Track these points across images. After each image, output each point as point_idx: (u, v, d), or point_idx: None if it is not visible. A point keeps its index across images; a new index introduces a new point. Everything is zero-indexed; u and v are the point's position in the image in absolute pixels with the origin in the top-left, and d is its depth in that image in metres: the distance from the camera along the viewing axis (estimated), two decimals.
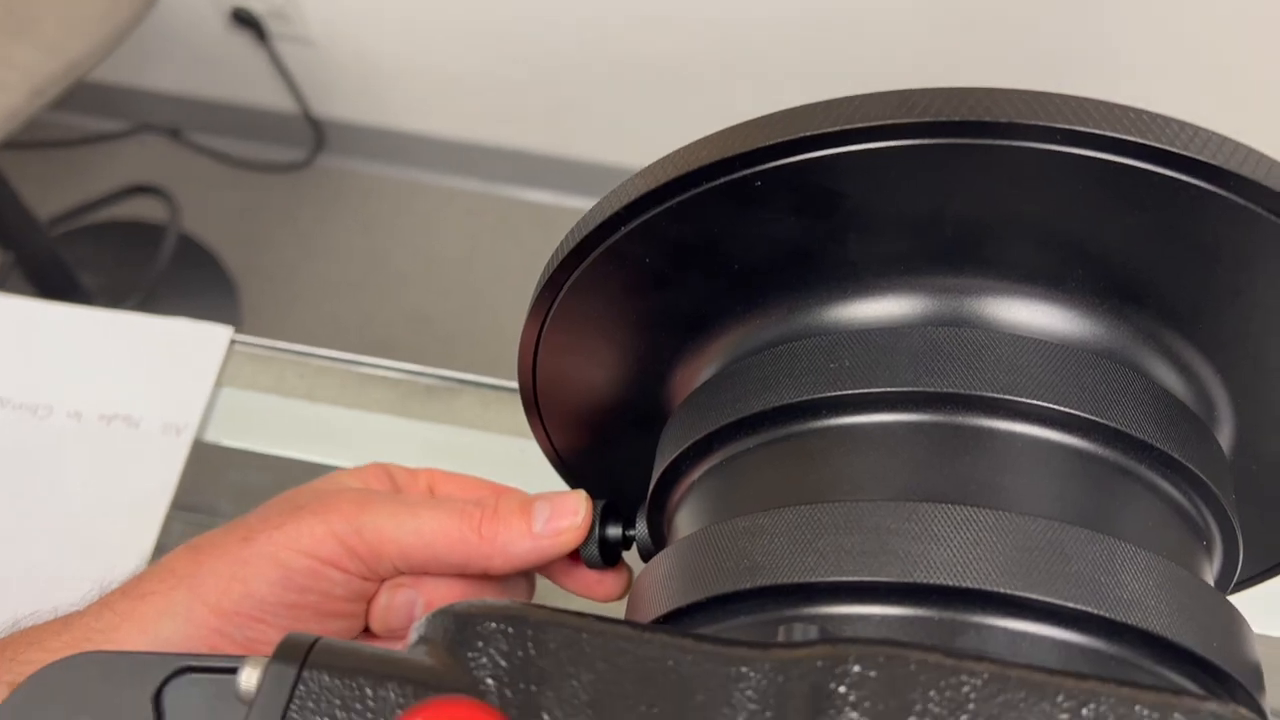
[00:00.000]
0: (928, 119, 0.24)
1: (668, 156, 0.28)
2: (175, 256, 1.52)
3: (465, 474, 0.38)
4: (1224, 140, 0.25)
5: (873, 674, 0.20)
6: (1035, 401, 0.26)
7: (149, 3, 1.17)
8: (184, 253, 1.55)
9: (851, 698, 0.19)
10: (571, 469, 0.39)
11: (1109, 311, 0.28)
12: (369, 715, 0.20)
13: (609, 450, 0.37)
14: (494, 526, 0.34)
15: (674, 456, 0.31)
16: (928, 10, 1.25)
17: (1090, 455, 0.26)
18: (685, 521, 0.30)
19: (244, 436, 0.49)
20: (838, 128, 0.25)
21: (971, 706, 0.19)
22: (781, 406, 0.28)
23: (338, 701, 0.20)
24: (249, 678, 0.21)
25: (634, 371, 0.33)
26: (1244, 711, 0.20)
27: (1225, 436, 0.31)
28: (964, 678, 0.20)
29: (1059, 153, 0.25)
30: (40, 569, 0.45)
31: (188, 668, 0.23)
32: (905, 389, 0.26)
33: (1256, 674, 0.26)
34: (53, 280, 1.38)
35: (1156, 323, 0.28)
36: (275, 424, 0.49)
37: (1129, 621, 0.23)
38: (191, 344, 0.50)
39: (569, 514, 0.35)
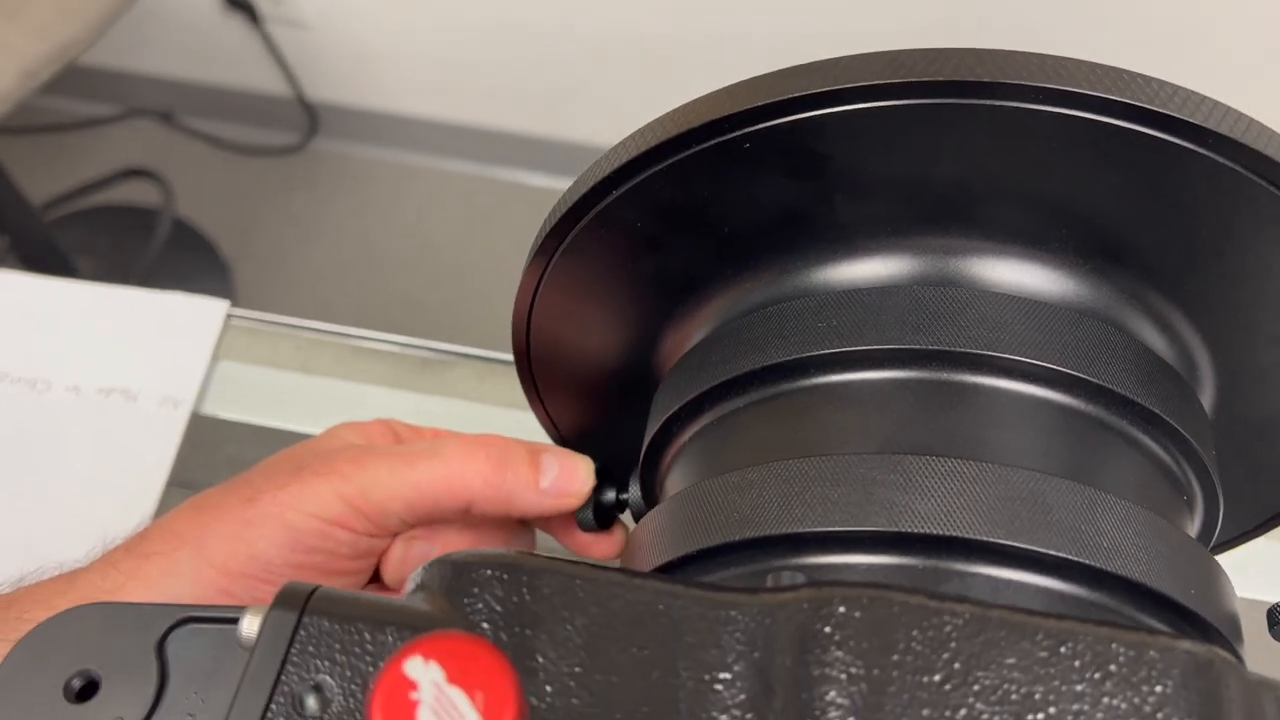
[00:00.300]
0: (913, 79, 0.25)
1: (658, 119, 0.28)
2: (169, 241, 1.52)
3: (471, 434, 0.38)
4: (1204, 99, 0.25)
5: (857, 615, 0.20)
6: (1018, 358, 0.27)
7: None
8: (178, 237, 1.55)
9: (836, 637, 0.20)
10: (566, 436, 0.39)
11: (1092, 271, 0.29)
12: (368, 659, 0.21)
13: (603, 416, 0.38)
14: (500, 475, 0.34)
15: (666, 418, 0.31)
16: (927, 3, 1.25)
17: (1072, 410, 0.27)
18: (677, 481, 0.31)
19: (241, 409, 0.49)
20: (825, 89, 0.25)
21: (953, 645, 0.20)
22: (770, 366, 0.28)
23: (337, 646, 0.21)
24: (250, 625, 0.22)
25: (627, 336, 0.34)
26: (1218, 650, 0.20)
27: (1208, 396, 0.31)
28: (946, 618, 0.20)
29: (1043, 112, 0.25)
30: (39, 541, 0.46)
31: (190, 618, 0.23)
32: (891, 346, 0.27)
33: (1234, 623, 0.26)
34: (47, 265, 1.38)
35: (1139, 283, 0.29)
36: (272, 397, 0.49)
37: (1108, 568, 0.24)
38: (188, 318, 0.50)
39: (577, 481, 0.35)
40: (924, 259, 0.28)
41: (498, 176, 1.64)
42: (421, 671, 0.17)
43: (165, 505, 0.48)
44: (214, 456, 0.50)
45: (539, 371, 0.36)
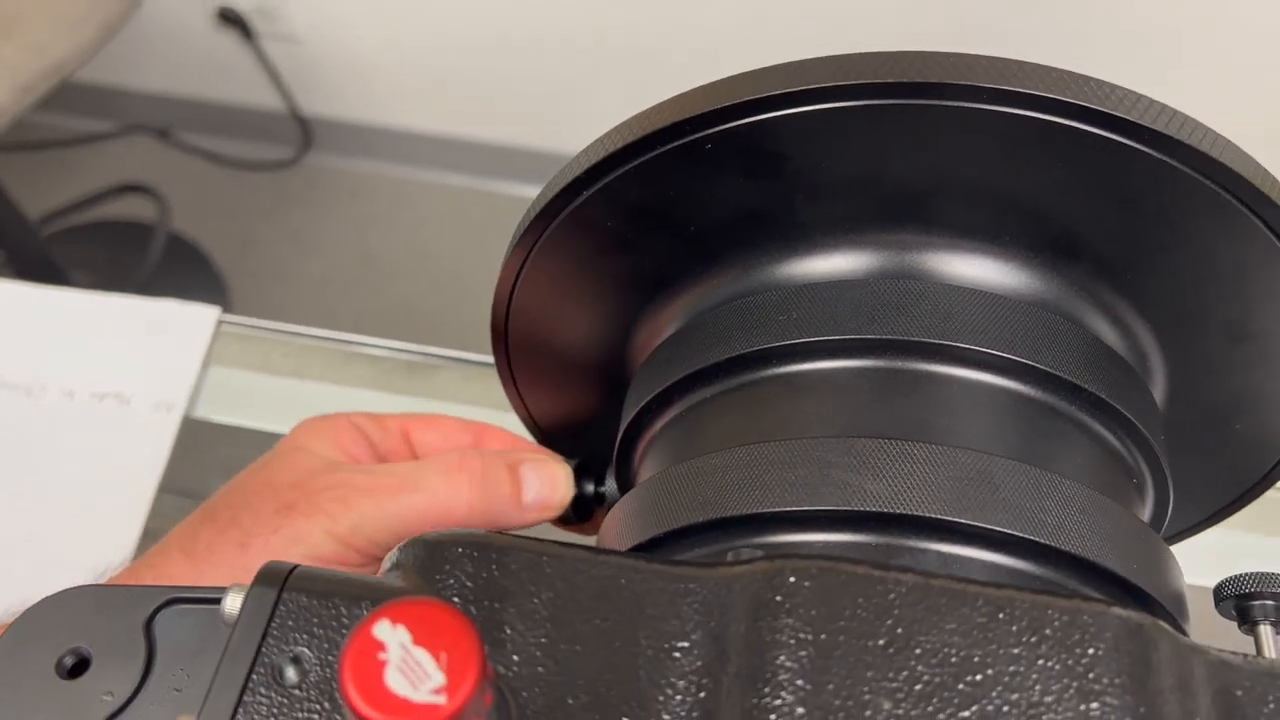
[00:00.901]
0: (861, 81, 0.26)
1: (624, 122, 0.29)
2: (165, 255, 1.54)
3: (439, 415, 0.38)
4: (1141, 98, 0.27)
5: (806, 584, 0.21)
6: (970, 346, 0.28)
7: (134, 2, 1.18)
8: (174, 251, 1.56)
9: (787, 605, 0.21)
10: (546, 433, 0.40)
11: (1043, 265, 0.30)
12: (344, 632, 0.22)
13: (581, 410, 0.39)
14: (485, 499, 0.34)
15: (637, 410, 0.32)
16: (916, 9, 1.27)
17: (1022, 396, 0.28)
18: (649, 471, 0.32)
19: (233, 413, 0.50)
20: (778, 91, 0.27)
21: (896, 612, 0.21)
22: (734, 357, 0.29)
23: (315, 620, 0.22)
24: (232, 603, 0.23)
25: (601, 332, 0.35)
26: (1150, 618, 0.22)
27: (1159, 387, 0.32)
28: (890, 586, 0.21)
29: (989, 112, 0.26)
30: (35, 542, 0.47)
31: (176, 599, 0.24)
32: (848, 337, 0.28)
33: (1178, 599, 0.28)
34: (44, 279, 1.39)
35: (1089, 276, 0.30)
36: (263, 400, 0.50)
37: (1051, 543, 0.25)
38: (180, 324, 0.51)
39: (558, 492, 0.36)
40: (881, 254, 0.30)
41: (492, 189, 1.66)
42: (389, 634, 0.18)
43: (158, 508, 0.49)
44: (207, 459, 0.51)
45: (517, 365, 0.38)
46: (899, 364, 0.28)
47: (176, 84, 1.64)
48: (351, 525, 0.33)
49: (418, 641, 0.18)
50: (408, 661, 0.18)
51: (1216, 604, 0.29)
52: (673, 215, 0.31)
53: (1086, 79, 0.26)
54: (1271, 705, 0.21)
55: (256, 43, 1.52)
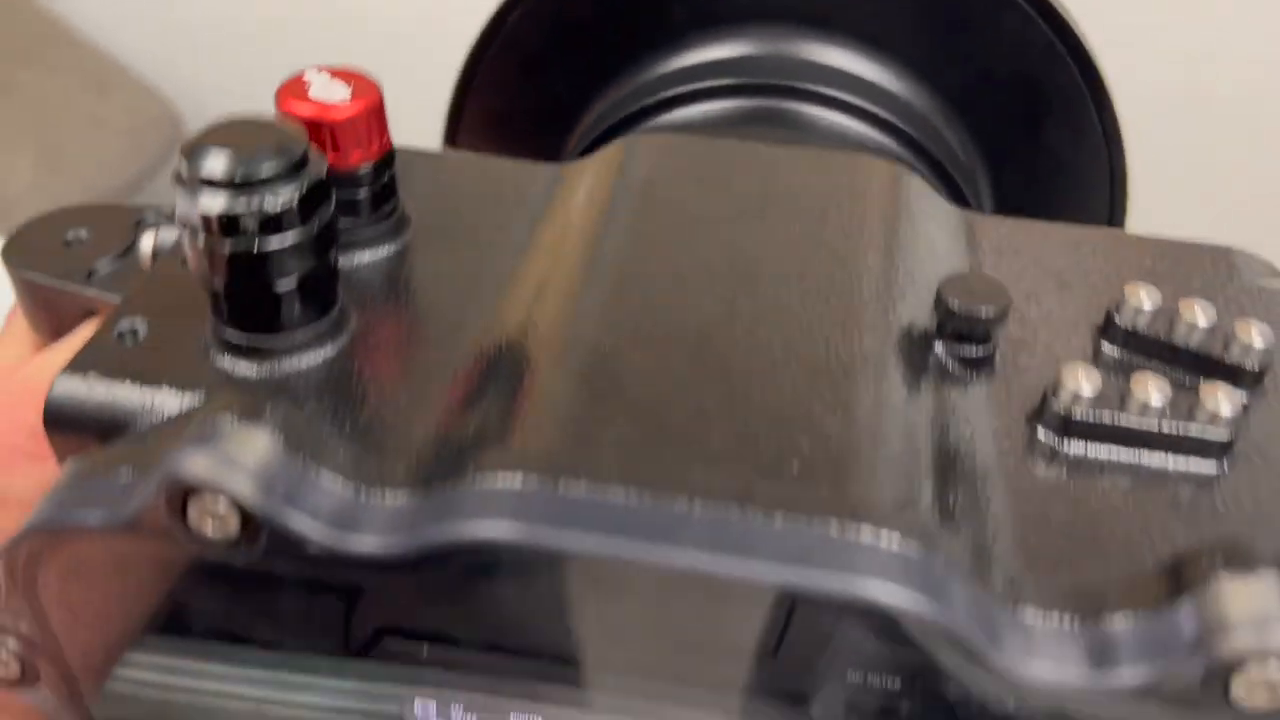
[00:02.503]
0: None
1: None
2: None
3: None
4: None
5: (652, 145, 0.28)
6: (814, 88, 0.35)
7: (171, 145, 1.32)
8: None
9: (632, 154, 0.27)
10: None
11: (868, 49, 0.37)
12: None
13: None
14: None
15: None
16: None
17: (863, 133, 0.35)
18: None
19: None
20: None
21: (718, 157, 0.27)
22: (625, 116, 0.37)
23: None
24: None
25: None
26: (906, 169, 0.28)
27: (982, 173, 0.39)
28: (712, 145, 0.28)
29: None
30: None
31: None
32: (725, 82, 0.36)
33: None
34: None
35: (902, 63, 0.38)
36: None
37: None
38: None
39: None
40: (756, 44, 0.38)
41: None
42: (314, 75, 0.24)
43: None
44: None
45: None
46: (765, 102, 0.35)
47: None
48: None
49: (334, 77, 0.24)
50: (327, 85, 0.24)
51: None
52: (588, 30, 0.39)
53: None
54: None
55: None
